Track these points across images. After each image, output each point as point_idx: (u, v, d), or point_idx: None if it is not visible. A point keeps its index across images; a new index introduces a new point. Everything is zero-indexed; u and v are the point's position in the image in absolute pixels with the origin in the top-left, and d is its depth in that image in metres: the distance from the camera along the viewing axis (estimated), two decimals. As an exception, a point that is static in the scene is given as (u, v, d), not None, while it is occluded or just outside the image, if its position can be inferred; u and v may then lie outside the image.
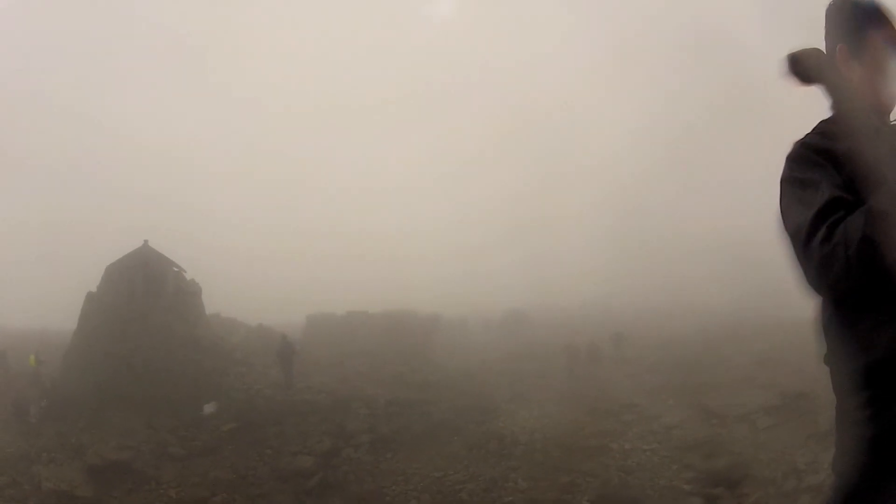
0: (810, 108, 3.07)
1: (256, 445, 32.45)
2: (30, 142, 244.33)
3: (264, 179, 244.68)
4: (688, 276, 77.01)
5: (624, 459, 29.44)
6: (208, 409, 35.66)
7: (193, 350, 40.71)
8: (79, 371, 38.20)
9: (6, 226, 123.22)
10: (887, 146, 2.67)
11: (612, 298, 78.02)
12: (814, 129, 3.02)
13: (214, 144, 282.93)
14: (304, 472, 29.95)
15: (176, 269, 45.41)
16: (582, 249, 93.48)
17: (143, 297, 41.93)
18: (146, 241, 44.87)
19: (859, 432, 2.72)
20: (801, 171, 2.86)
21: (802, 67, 2.97)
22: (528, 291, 79.99)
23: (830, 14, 3.15)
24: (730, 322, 52.90)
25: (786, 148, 3.00)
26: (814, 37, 3.17)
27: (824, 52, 3.10)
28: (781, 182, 2.94)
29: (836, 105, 2.96)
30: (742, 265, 67.17)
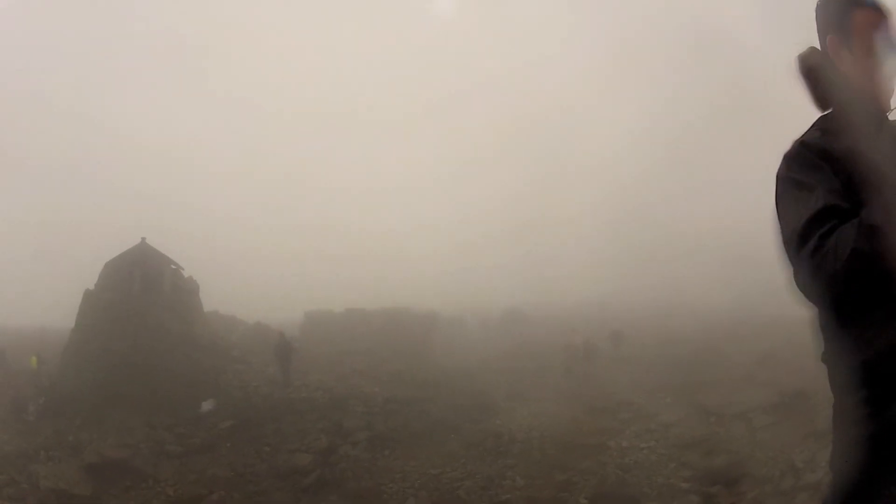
0: (809, 107, 3.07)
1: (254, 443, 32.45)
2: (29, 141, 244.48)
3: (264, 179, 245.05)
4: (686, 275, 77.14)
5: (621, 457, 29.44)
6: (206, 406, 35.66)
7: (191, 348, 40.72)
8: (77, 369, 38.19)
9: (5, 224, 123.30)
10: (888, 144, 2.66)
11: (610, 297, 77.98)
12: (813, 126, 3.02)
13: (214, 144, 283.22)
14: (302, 470, 29.95)
15: (174, 267, 45.42)
16: (581, 249, 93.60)
17: (141, 294, 41.93)
18: (144, 239, 44.87)
19: (857, 431, 2.72)
20: (798, 171, 2.87)
21: (805, 67, 2.98)
22: (527, 290, 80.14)
23: (818, 9, 3.17)
24: (728, 321, 52.97)
25: (785, 146, 2.99)
26: (813, 36, 3.18)
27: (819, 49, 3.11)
28: (777, 180, 2.95)
29: (835, 101, 2.96)
30: (741, 264, 67.22)
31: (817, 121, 3.03)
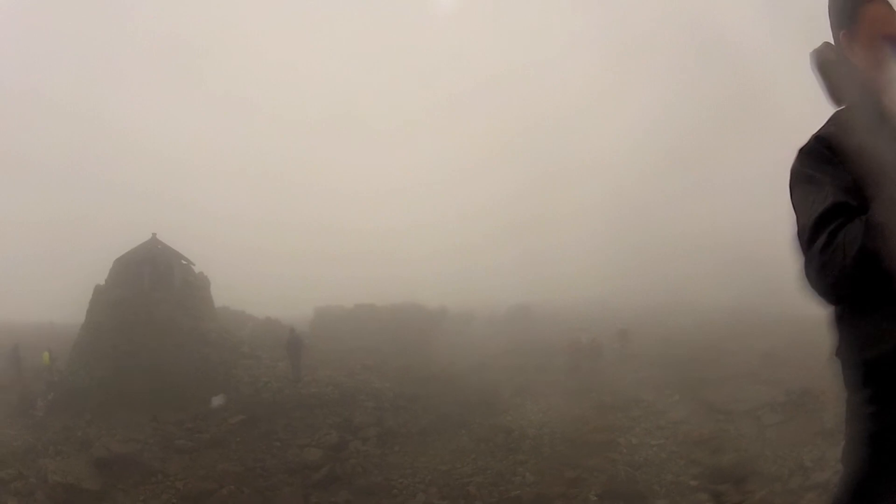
0: (809, 107, 3.10)
1: (264, 438, 32.49)
2: (34, 140, 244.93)
3: (274, 179, 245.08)
4: (689, 273, 76.95)
5: (631, 454, 29.45)
6: (216, 401, 35.72)
7: (201, 343, 40.77)
8: (86, 364, 38.26)
9: (15, 223, 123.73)
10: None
11: (615, 295, 77.91)
12: (829, 121, 3.04)
13: (221, 144, 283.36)
14: (312, 465, 29.98)
15: (184, 263, 45.48)
16: (584, 247, 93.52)
17: (151, 290, 41.99)
18: (154, 235, 44.91)
19: (864, 427, 2.76)
20: (810, 166, 2.90)
21: (819, 63, 3.01)
22: (532, 288, 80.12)
23: (831, 4, 3.17)
24: (734, 319, 52.88)
25: (786, 144, 3.03)
26: (817, 36, 3.20)
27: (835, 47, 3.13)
28: (791, 173, 2.99)
29: (848, 96, 2.99)
30: (746, 262, 67.13)
31: (833, 115, 3.05)
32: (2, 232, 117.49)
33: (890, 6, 3.01)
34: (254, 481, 29.00)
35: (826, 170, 2.83)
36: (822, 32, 3.18)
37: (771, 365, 36.25)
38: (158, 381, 35.70)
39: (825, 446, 24.82)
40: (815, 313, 3.09)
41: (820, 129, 3.01)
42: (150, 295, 41.63)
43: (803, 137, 3.01)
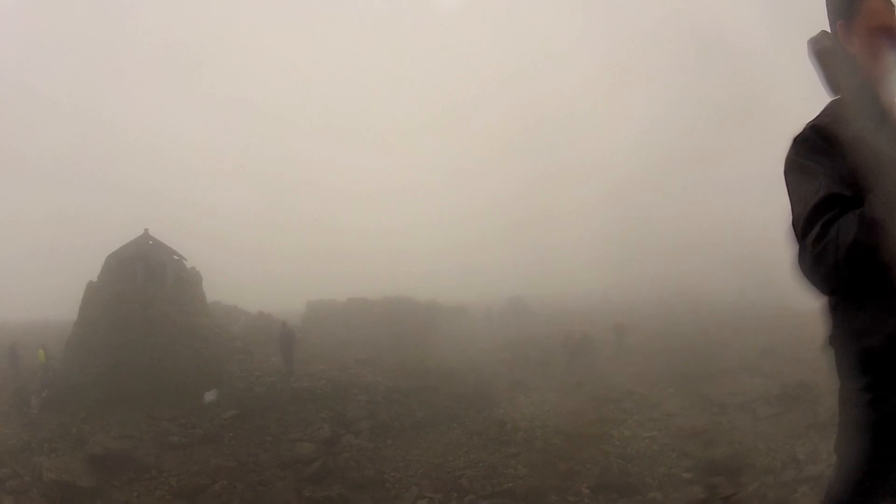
0: (809, 105, 3.10)
1: (257, 433, 32.50)
2: (32, 139, 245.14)
3: (270, 177, 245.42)
4: (691, 269, 77.11)
5: (623, 447, 29.51)
6: (209, 397, 35.71)
7: (194, 338, 40.72)
8: (80, 361, 38.18)
9: (7, 221, 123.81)
10: (891, 134, 2.69)
11: (612, 290, 78.09)
12: (824, 110, 3.05)
13: (217, 143, 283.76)
14: (305, 459, 29.99)
15: (176, 258, 45.37)
16: (584, 243, 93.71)
17: (144, 285, 41.90)
18: (146, 230, 44.79)
19: (859, 416, 2.77)
20: (805, 155, 2.90)
21: (816, 51, 3.01)
22: (530, 284, 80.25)
23: None
24: (733, 314, 53.01)
25: (784, 143, 3.03)
26: (816, 29, 3.20)
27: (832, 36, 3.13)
28: (786, 162, 2.99)
29: (844, 86, 2.99)
30: (741, 259, 67.28)
31: (828, 105, 3.05)
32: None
33: (888, 1, 3.02)
34: (247, 476, 29.00)
35: (820, 160, 2.84)
36: (822, 27, 3.18)
37: (767, 359, 36.39)
38: (152, 377, 35.67)
39: (818, 439, 24.89)
40: (812, 308, 3.10)
41: (815, 119, 3.01)
42: (143, 291, 41.55)
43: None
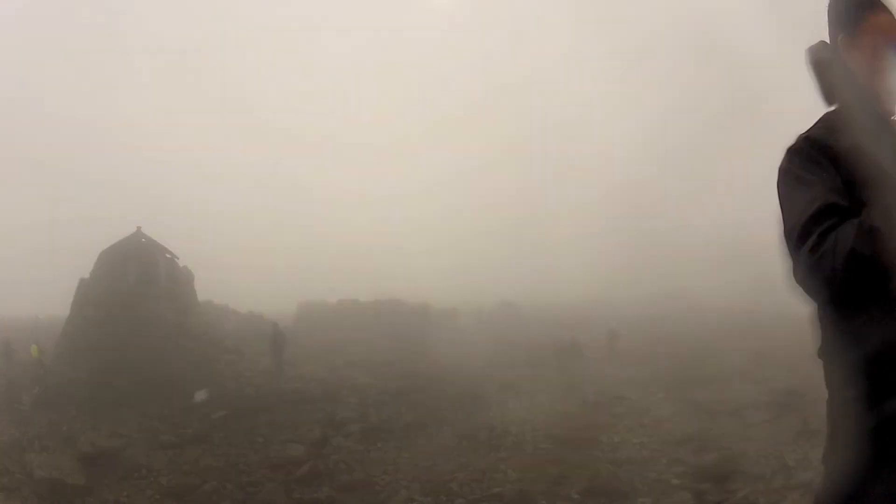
0: (807, 109, 3.11)
1: (247, 433, 32.51)
2: (26, 141, 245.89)
3: (263, 178, 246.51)
4: (682, 274, 77.36)
5: (613, 452, 29.51)
6: (199, 396, 35.74)
7: (185, 337, 40.78)
8: (71, 359, 38.21)
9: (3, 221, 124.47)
10: (890, 145, 2.69)
11: (606, 295, 78.32)
12: (819, 121, 3.06)
13: (215, 146, 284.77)
14: (295, 461, 29.96)
15: (169, 256, 45.40)
16: (582, 244, 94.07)
17: (136, 283, 41.92)
18: (139, 228, 44.79)
19: (853, 426, 2.76)
20: (800, 166, 2.91)
21: (814, 60, 3.02)
22: (525, 284, 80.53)
23: (831, 5, 3.15)
24: (729, 319, 53.19)
25: (782, 146, 3.04)
26: (818, 36, 3.20)
27: (832, 46, 3.14)
28: (779, 173, 2.99)
29: (841, 97, 3.00)
30: (736, 264, 67.54)
31: (823, 116, 3.07)
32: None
33: (894, 17, 3.03)
34: (236, 477, 28.99)
35: (815, 170, 2.85)
36: (822, 35, 3.19)
37: (760, 365, 36.48)
38: (143, 376, 35.71)
39: (808, 446, 24.93)
40: (806, 313, 3.11)
41: (809, 130, 3.03)
42: (136, 289, 41.58)
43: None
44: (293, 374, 39.11)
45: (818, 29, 3.24)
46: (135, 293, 41.29)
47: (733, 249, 70.98)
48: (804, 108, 3.12)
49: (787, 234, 2.82)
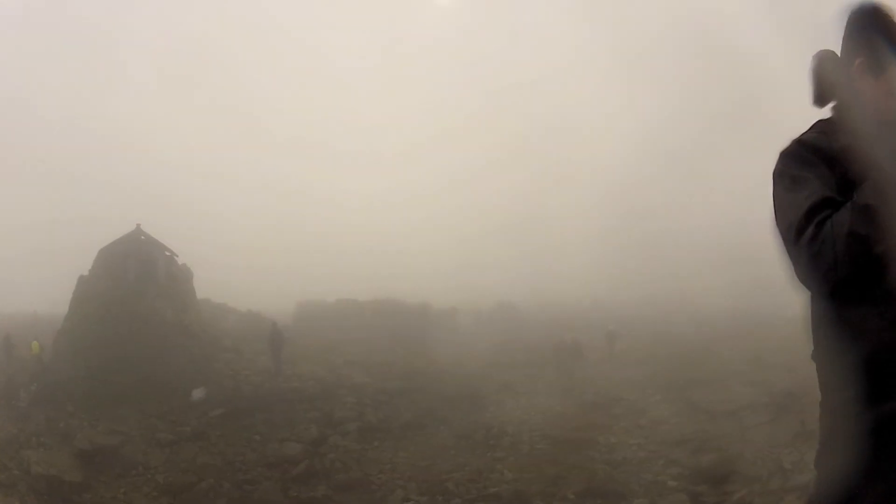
0: (808, 111, 3.11)
1: (244, 432, 32.48)
2: (24, 139, 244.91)
3: (262, 177, 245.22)
4: (690, 275, 77.15)
5: (610, 453, 29.51)
6: (197, 394, 35.67)
7: (183, 335, 40.72)
8: (69, 355, 38.13)
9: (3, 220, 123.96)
10: (889, 144, 2.69)
11: (606, 296, 78.15)
12: (811, 127, 3.06)
13: (214, 145, 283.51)
14: (292, 459, 29.98)
15: (168, 254, 45.36)
16: (581, 245, 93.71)
17: (135, 281, 41.89)
18: (138, 225, 44.74)
19: (849, 428, 2.77)
20: (793, 167, 2.92)
21: (818, 68, 3.01)
22: (525, 286, 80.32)
23: (851, 24, 3.07)
24: (729, 321, 53.04)
25: (781, 147, 3.04)
26: (814, 42, 3.19)
27: (839, 56, 3.11)
28: (774, 176, 2.99)
29: (842, 106, 3.00)
30: (736, 266, 67.34)
31: (815, 124, 3.07)
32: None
33: None
34: (233, 475, 29.00)
35: (809, 170, 2.85)
36: (822, 38, 3.18)
37: (756, 367, 36.31)
38: (141, 373, 35.62)
39: (805, 449, 24.85)
40: (805, 312, 3.11)
41: (801, 134, 3.04)
42: (134, 286, 41.54)
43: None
44: (291, 373, 39.02)
45: (817, 29, 3.23)
46: (134, 290, 41.25)
47: (733, 251, 70.68)
48: (805, 110, 3.11)
49: (785, 231, 2.81)
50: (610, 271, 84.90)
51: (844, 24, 3.10)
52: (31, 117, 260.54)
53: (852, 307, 2.72)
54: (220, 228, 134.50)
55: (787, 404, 29.48)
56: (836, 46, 3.14)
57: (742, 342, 42.68)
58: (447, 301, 70.29)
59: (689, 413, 32.14)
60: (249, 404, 34.79)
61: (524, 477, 27.88)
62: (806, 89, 3.06)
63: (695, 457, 27.72)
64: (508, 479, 27.94)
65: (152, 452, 30.53)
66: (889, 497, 2.67)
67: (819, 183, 2.79)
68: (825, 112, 3.08)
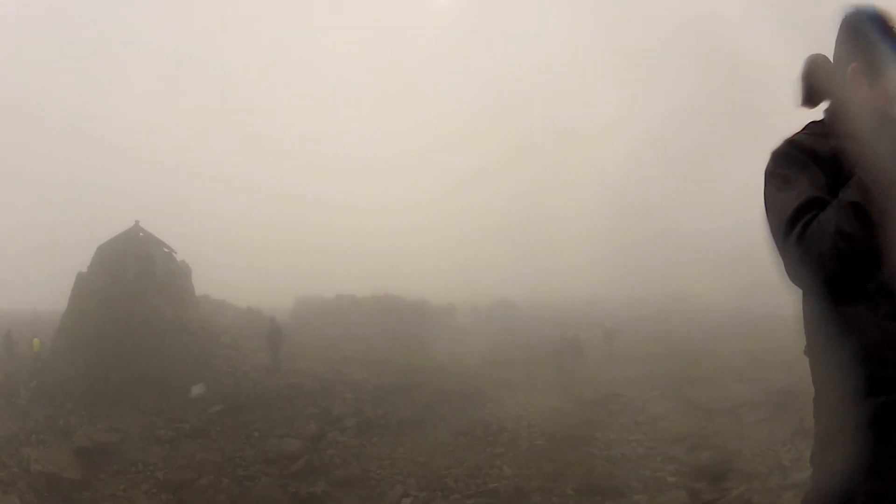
0: (808, 114, 3.15)
1: (243, 428, 32.49)
2: (23, 137, 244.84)
3: (261, 174, 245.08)
4: (681, 274, 77.16)
5: (608, 450, 29.53)
6: (196, 391, 35.65)
7: (182, 332, 40.67)
8: (68, 353, 38.08)
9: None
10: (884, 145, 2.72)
11: (605, 295, 78.15)
12: (803, 128, 3.11)
13: (213, 142, 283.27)
14: (291, 455, 30.01)
15: (166, 251, 45.31)
16: (581, 245, 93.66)
17: (134, 277, 41.85)
18: (137, 222, 44.70)
19: (844, 422, 2.79)
20: (784, 167, 2.98)
21: (809, 72, 3.04)
22: (525, 284, 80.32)
23: (845, 28, 3.10)
24: (728, 319, 53.01)
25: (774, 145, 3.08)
26: (817, 47, 3.22)
27: (831, 61, 3.14)
28: (765, 175, 3.05)
29: (834, 111, 3.04)
30: (735, 265, 67.35)
31: (807, 125, 3.12)
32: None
33: None
34: (232, 471, 29.03)
35: (800, 170, 2.92)
36: (823, 39, 3.21)
37: (754, 365, 36.26)
38: (140, 370, 35.60)
39: (804, 445, 24.85)
40: (798, 307, 3.14)
41: (793, 135, 3.08)
42: (133, 283, 41.50)
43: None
44: (290, 370, 38.95)
45: (818, 31, 3.26)
46: (132, 287, 41.20)
47: (733, 251, 70.71)
48: (804, 111, 3.15)
49: (775, 230, 2.87)
50: (610, 271, 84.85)
51: (838, 28, 3.13)
52: (31, 118, 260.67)
53: (844, 303, 2.77)
54: (220, 229, 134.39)
55: (786, 402, 29.47)
56: (833, 49, 3.18)
57: (741, 340, 42.65)
58: (447, 298, 70.30)
59: (688, 410, 32.18)
60: (248, 401, 34.79)
61: (523, 473, 27.90)
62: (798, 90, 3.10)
63: (693, 453, 27.75)
64: (507, 476, 27.97)
65: (151, 449, 30.54)
66: (886, 490, 2.70)
67: (808, 183, 2.86)
68: (818, 113, 3.12)
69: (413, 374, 38.76)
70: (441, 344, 47.30)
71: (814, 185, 2.84)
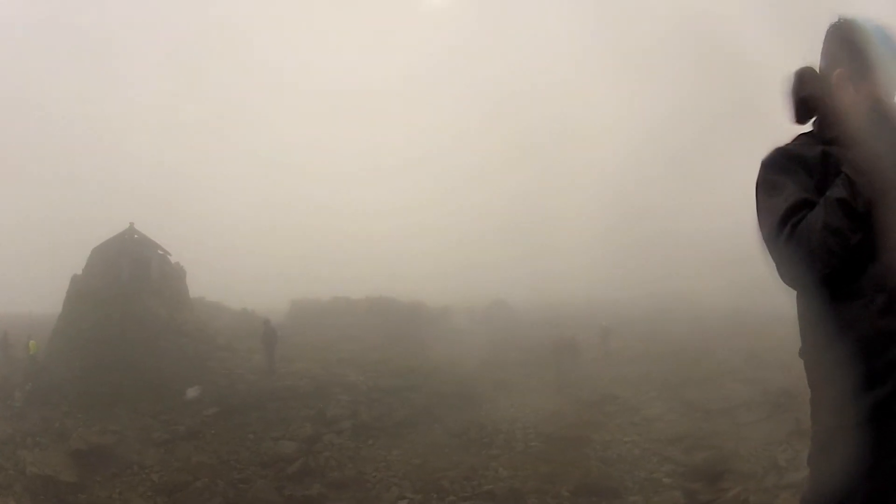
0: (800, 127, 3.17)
1: (238, 430, 32.46)
2: (17, 137, 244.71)
3: (258, 175, 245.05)
4: (687, 272, 77.22)
5: (604, 451, 29.55)
6: (191, 393, 35.62)
7: (177, 334, 40.67)
8: (64, 355, 38.07)
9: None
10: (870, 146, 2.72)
11: (602, 295, 78.11)
12: (793, 140, 3.14)
13: (209, 144, 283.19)
14: (286, 458, 30.00)
15: (161, 253, 45.28)
16: (581, 245, 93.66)
17: (128, 280, 41.82)
18: (132, 224, 44.68)
19: (843, 419, 2.78)
20: (772, 174, 3.00)
21: (798, 84, 3.06)
22: (520, 287, 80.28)
23: (831, 35, 3.16)
24: (727, 319, 53.00)
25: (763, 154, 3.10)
26: (817, 48, 3.23)
27: (817, 70, 3.16)
28: (756, 186, 3.07)
29: (822, 117, 3.05)
30: (733, 265, 67.40)
31: (797, 136, 3.14)
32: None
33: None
34: (228, 473, 29.02)
35: (788, 176, 2.94)
36: (822, 40, 3.21)
37: (751, 365, 36.28)
38: (135, 372, 35.59)
39: (801, 446, 24.85)
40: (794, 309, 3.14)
41: (781, 145, 3.09)
42: (128, 285, 41.48)
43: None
44: (285, 372, 38.94)
45: (818, 32, 3.26)
46: (127, 289, 41.18)
47: (733, 251, 70.79)
48: (797, 127, 3.17)
49: (767, 234, 2.89)
50: (610, 271, 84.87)
51: (824, 38, 3.17)
52: (30, 118, 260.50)
53: (839, 300, 2.79)
54: (215, 231, 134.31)
55: (783, 402, 29.51)
56: (820, 59, 3.21)
57: (737, 340, 42.66)
58: (443, 300, 70.26)
59: (684, 411, 32.18)
60: (244, 403, 34.77)
61: (518, 475, 27.93)
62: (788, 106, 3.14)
63: (689, 454, 27.77)
64: (503, 477, 27.99)
65: (147, 451, 30.52)
66: (886, 489, 2.69)
67: (797, 186, 2.89)
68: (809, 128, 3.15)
69: (408, 376, 38.75)
70: (437, 345, 47.21)
71: (802, 188, 2.87)
